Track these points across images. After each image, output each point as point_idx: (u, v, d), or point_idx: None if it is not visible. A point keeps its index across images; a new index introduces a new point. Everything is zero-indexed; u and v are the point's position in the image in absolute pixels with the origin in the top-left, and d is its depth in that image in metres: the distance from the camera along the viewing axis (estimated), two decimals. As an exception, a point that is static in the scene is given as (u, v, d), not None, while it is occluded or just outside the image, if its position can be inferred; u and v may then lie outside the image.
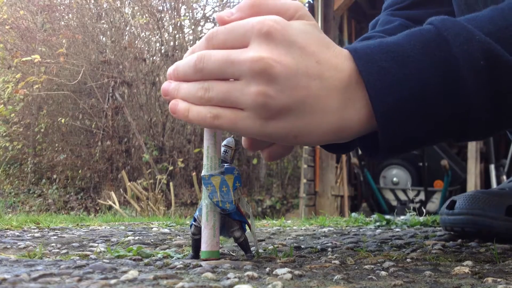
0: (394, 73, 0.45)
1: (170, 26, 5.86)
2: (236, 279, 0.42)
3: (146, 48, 5.95)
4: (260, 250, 0.64)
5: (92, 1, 5.91)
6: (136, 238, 0.82)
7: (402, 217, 1.32)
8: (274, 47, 0.45)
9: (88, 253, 0.62)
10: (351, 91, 0.46)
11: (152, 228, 1.09)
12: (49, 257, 0.59)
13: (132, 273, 0.43)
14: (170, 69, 0.51)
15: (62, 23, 6.11)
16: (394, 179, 4.12)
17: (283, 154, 0.58)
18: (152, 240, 0.79)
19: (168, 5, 5.87)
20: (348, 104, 0.46)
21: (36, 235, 0.86)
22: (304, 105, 0.45)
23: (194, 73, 0.48)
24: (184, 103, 0.49)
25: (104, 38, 5.99)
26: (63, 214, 3.56)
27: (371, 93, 0.46)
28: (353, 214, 1.35)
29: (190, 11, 5.93)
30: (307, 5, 4.24)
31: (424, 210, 1.38)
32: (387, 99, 0.45)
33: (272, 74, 0.44)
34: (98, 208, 5.09)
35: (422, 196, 3.99)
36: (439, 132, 0.49)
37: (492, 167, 3.72)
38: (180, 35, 5.76)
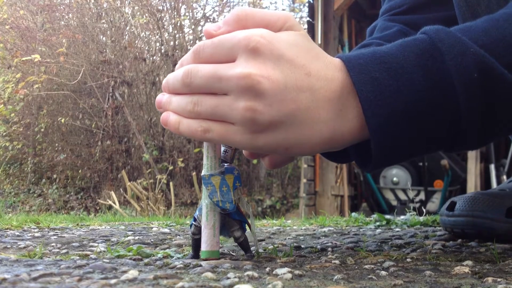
0: (387, 84, 0.45)
1: (170, 26, 5.86)
2: (236, 279, 0.42)
3: (146, 48, 5.95)
4: (260, 250, 0.64)
5: (92, 1, 5.91)
6: (136, 238, 0.82)
7: (402, 217, 1.32)
8: (262, 62, 0.44)
9: (88, 253, 0.62)
10: (343, 101, 0.46)
11: (152, 228, 1.09)
12: (49, 257, 0.59)
13: (132, 273, 0.43)
14: (164, 81, 0.51)
15: (62, 23, 6.11)
16: (394, 179, 4.12)
17: (284, 162, 0.58)
18: (152, 240, 0.79)
19: (168, 5, 5.87)
20: (339, 114, 0.46)
21: (36, 235, 0.86)
22: (294, 118, 0.45)
23: (182, 87, 0.48)
24: (175, 115, 0.49)
25: (104, 38, 5.99)
26: (63, 214, 3.56)
27: (364, 105, 0.45)
28: (353, 214, 1.35)
29: (190, 11, 5.93)
30: (307, 4, 4.24)
31: (424, 210, 1.38)
32: (380, 111, 0.45)
33: (259, 90, 0.44)
34: (98, 208, 5.09)
35: (422, 196, 3.99)
36: (432, 143, 0.49)
37: (492, 167, 3.72)
38: (180, 35, 5.77)
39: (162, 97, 0.51)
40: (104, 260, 0.55)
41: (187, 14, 5.90)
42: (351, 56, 0.47)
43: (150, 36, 5.97)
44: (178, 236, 0.87)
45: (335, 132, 0.47)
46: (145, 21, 5.69)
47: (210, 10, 6.31)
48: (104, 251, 0.63)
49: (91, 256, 0.59)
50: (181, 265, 0.49)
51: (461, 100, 0.45)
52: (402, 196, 4.11)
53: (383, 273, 0.46)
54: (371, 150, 0.48)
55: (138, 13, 5.86)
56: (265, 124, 0.45)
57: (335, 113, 0.46)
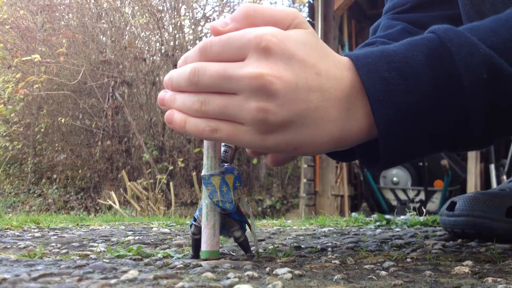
0: (396, 84, 0.45)
1: (170, 26, 5.86)
2: (236, 279, 0.42)
3: (146, 48, 5.95)
4: (260, 250, 0.64)
5: (92, 1, 5.91)
6: (136, 238, 0.82)
7: (402, 217, 1.32)
8: (273, 62, 0.43)
9: (88, 253, 0.62)
10: (351, 101, 0.46)
11: (152, 228, 1.09)
12: (49, 257, 0.59)
13: (132, 273, 0.43)
14: (166, 78, 0.50)
15: (62, 23, 6.11)
16: (394, 178, 4.12)
17: (287, 160, 0.57)
18: (152, 240, 0.79)
19: (168, 5, 5.87)
20: (348, 114, 0.46)
21: (36, 235, 0.86)
22: (305, 118, 0.45)
23: (188, 85, 0.47)
24: (180, 114, 0.47)
25: (104, 38, 5.99)
26: (63, 214, 3.56)
27: (373, 104, 0.45)
28: (353, 214, 1.35)
29: (190, 11, 5.93)
30: (307, 5, 4.24)
31: (424, 210, 1.38)
32: (388, 111, 0.45)
33: (272, 90, 0.43)
34: (98, 208, 5.09)
35: (422, 196, 3.99)
36: (439, 143, 0.49)
37: (492, 167, 3.72)
38: (180, 35, 5.76)
39: (165, 94, 0.49)
40: (104, 260, 0.55)
41: (187, 14, 5.90)
42: (359, 55, 0.47)
43: (150, 36, 5.97)
44: (178, 236, 0.87)
45: (344, 131, 0.46)
46: (145, 21, 5.69)
47: (210, 10, 6.32)
48: (104, 251, 0.63)
49: (91, 256, 0.59)
50: (181, 265, 0.49)
51: (469, 100, 0.45)
52: (402, 196, 4.11)
53: (383, 273, 0.46)
54: (377, 150, 0.48)
55: (138, 13, 5.86)
56: (276, 124, 0.44)
57: (344, 112, 0.46)
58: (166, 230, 1.00)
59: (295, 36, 0.45)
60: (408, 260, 0.54)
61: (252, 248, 0.58)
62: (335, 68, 0.46)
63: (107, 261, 0.53)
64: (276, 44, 0.43)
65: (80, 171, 5.72)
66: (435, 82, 0.45)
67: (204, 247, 0.53)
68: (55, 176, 5.89)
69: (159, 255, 0.59)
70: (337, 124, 0.46)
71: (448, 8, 0.77)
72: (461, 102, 0.45)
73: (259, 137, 0.45)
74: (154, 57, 5.87)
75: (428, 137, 0.48)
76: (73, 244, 0.73)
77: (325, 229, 1.02)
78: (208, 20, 5.93)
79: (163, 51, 5.74)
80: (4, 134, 6.10)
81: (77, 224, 1.19)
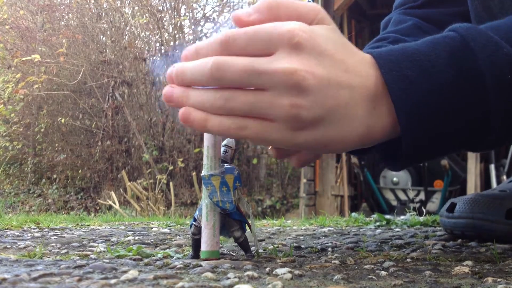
0: (418, 83, 0.45)
1: (170, 26, 5.86)
2: (236, 279, 0.42)
3: (146, 48, 5.95)
4: (260, 250, 0.64)
5: (92, 1, 5.91)
6: (136, 238, 0.82)
7: (402, 217, 1.32)
8: (305, 58, 0.43)
9: (88, 253, 0.62)
10: (376, 99, 0.46)
11: (152, 228, 1.09)
12: (49, 257, 0.59)
13: (132, 273, 0.43)
14: (171, 72, 0.47)
15: (62, 23, 6.11)
16: (394, 179, 4.12)
17: (311, 160, 0.57)
18: (152, 240, 0.79)
19: (168, 5, 5.87)
20: (373, 112, 0.46)
21: (36, 235, 0.86)
22: (335, 115, 0.44)
23: (209, 81, 0.44)
24: (199, 112, 0.45)
25: (104, 38, 5.99)
26: (63, 214, 3.56)
27: (396, 103, 0.45)
28: (353, 214, 1.35)
29: (190, 11, 5.93)
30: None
31: (424, 210, 1.38)
32: (411, 109, 0.45)
33: (305, 86, 0.42)
34: (98, 208, 5.09)
35: (422, 196, 3.99)
36: (459, 142, 0.49)
37: (492, 167, 3.72)
38: (180, 35, 5.77)
39: (172, 91, 0.47)
40: (104, 260, 0.55)
41: (187, 14, 5.89)
42: (382, 52, 0.47)
43: (150, 36, 5.97)
44: (178, 236, 0.87)
45: (369, 129, 0.46)
46: (145, 21, 5.69)
47: (210, 10, 6.31)
48: (104, 251, 0.63)
49: (91, 256, 0.59)
50: (181, 265, 0.49)
51: (492, 99, 0.45)
52: (402, 196, 4.11)
53: (383, 273, 0.46)
54: (398, 148, 0.48)
55: (138, 13, 5.86)
56: (308, 121, 0.44)
57: (369, 110, 0.46)
58: (166, 230, 1.00)
59: (322, 32, 0.45)
60: (408, 260, 0.54)
61: (252, 248, 0.58)
62: (360, 65, 0.45)
63: (107, 261, 0.53)
64: (306, 39, 0.43)
65: (80, 171, 5.72)
66: (457, 81, 0.45)
67: (204, 247, 0.53)
68: (55, 176, 5.89)
69: (159, 255, 0.59)
70: (363, 121, 0.46)
71: (459, 4, 0.77)
72: (483, 101, 0.45)
73: (290, 134, 0.45)
74: (154, 57, 5.87)
75: (449, 136, 0.48)
76: (73, 244, 0.73)
77: (325, 229, 1.02)
78: (208, 20, 5.93)
79: (163, 51, 5.74)
80: (4, 134, 6.10)
81: (77, 224, 1.19)
